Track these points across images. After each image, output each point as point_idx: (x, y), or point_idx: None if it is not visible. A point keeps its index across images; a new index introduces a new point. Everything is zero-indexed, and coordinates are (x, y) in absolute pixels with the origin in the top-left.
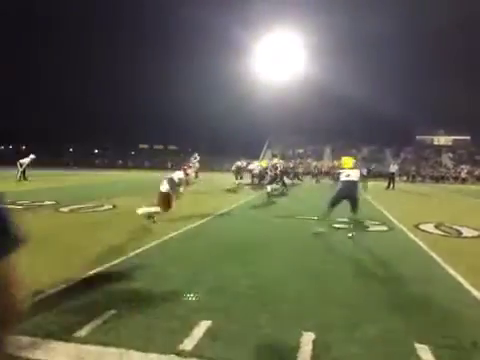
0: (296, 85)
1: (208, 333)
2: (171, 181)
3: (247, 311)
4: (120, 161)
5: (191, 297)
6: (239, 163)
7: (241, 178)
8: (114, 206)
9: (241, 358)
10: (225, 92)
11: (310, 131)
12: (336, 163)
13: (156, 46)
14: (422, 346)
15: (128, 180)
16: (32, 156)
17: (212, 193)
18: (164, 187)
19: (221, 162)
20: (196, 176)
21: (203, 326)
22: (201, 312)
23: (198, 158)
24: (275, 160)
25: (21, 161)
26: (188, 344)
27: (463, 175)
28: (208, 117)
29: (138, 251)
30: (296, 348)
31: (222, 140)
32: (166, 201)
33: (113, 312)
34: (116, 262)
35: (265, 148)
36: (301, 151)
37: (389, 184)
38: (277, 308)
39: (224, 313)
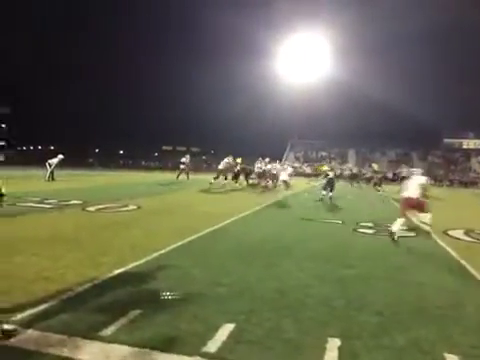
0: (320, 87)
1: (231, 336)
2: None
3: (271, 315)
4: (143, 162)
5: (214, 298)
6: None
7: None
8: (139, 206)
9: None
10: (248, 94)
11: (334, 134)
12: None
13: (180, 48)
14: (452, 356)
15: (152, 181)
16: (60, 156)
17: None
18: None
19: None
20: (187, 178)
21: (227, 329)
22: (224, 314)
23: (188, 159)
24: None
25: (50, 161)
26: (212, 346)
27: None
28: (231, 119)
29: (162, 251)
30: (321, 354)
31: (244, 142)
32: None
33: (138, 312)
34: (141, 262)
35: (287, 150)
36: (324, 154)
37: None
38: (301, 312)
39: (247, 316)
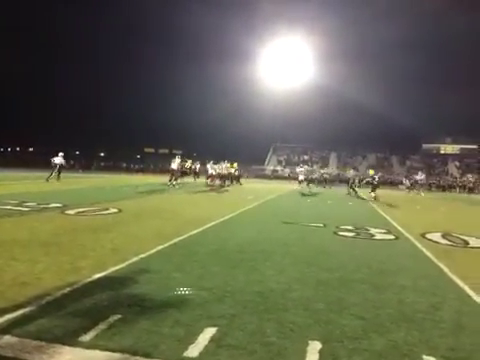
0: (302, 91)
1: (213, 340)
2: None
3: (252, 319)
4: (125, 164)
5: (197, 302)
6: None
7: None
8: (120, 210)
9: None
10: (231, 97)
11: (316, 138)
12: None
13: (162, 50)
14: (430, 358)
15: (133, 184)
16: (62, 154)
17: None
18: None
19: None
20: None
21: (208, 333)
22: (206, 319)
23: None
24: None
25: (56, 162)
26: (193, 351)
27: (470, 184)
28: (214, 122)
29: (143, 255)
30: (302, 357)
31: (227, 145)
32: None
33: (118, 317)
34: (121, 266)
35: (270, 154)
36: (306, 157)
37: (352, 189)
38: (283, 316)
39: (229, 320)
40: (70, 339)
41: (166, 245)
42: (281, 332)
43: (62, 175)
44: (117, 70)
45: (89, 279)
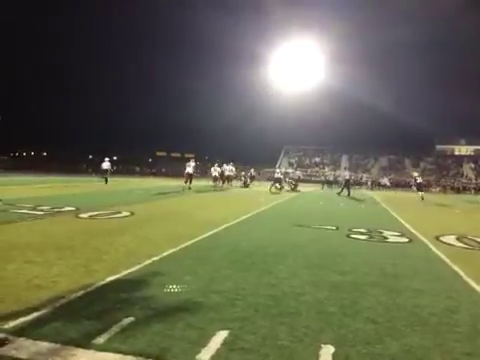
0: (314, 94)
1: (225, 343)
2: None
3: (265, 322)
4: (137, 168)
5: (208, 306)
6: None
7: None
8: (132, 213)
9: None
10: (243, 100)
11: (327, 140)
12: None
13: (174, 54)
14: None
15: (145, 187)
16: (108, 159)
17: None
18: None
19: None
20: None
21: (220, 336)
22: (218, 322)
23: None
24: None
25: (104, 167)
26: (205, 354)
27: None
28: (225, 125)
29: (156, 258)
30: None
31: (238, 148)
32: None
33: (131, 319)
34: (134, 269)
35: (281, 156)
36: (318, 160)
37: (342, 190)
38: (295, 320)
39: (241, 323)
40: (84, 342)
41: (178, 248)
42: (294, 336)
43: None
44: (129, 74)
45: (102, 282)
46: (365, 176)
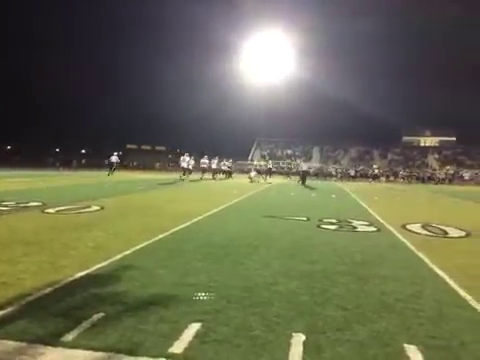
0: (285, 85)
1: (198, 336)
2: None
3: (237, 313)
4: (107, 161)
5: (181, 299)
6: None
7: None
8: (102, 207)
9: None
10: (214, 92)
11: (299, 132)
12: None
13: (144, 45)
14: (411, 347)
15: (116, 181)
16: (116, 153)
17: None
18: None
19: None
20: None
21: (193, 329)
22: (191, 315)
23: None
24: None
25: (112, 160)
26: (178, 347)
27: (449, 176)
28: (196, 117)
29: (127, 253)
30: (286, 350)
31: (210, 140)
32: None
33: (102, 315)
34: (104, 264)
35: (253, 148)
36: (290, 152)
37: (302, 180)
38: (267, 309)
39: (214, 316)
40: (52, 339)
41: (150, 242)
42: (266, 325)
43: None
44: (96, 66)
45: (71, 278)
46: (335, 167)
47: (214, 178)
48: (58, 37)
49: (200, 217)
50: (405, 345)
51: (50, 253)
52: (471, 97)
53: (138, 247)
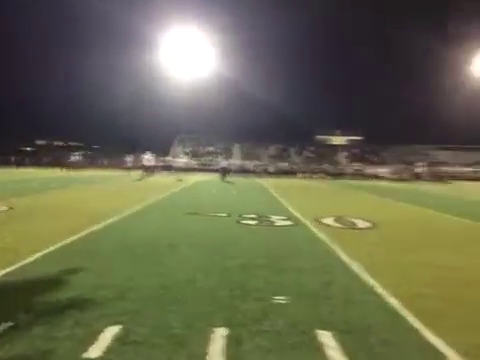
0: (207, 82)
1: (116, 338)
2: None
3: (156, 313)
4: (13, 158)
5: (97, 302)
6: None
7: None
8: (10, 207)
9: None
10: (132, 86)
11: (221, 129)
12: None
13: (57, 38)
14: (324, 332)
15: (25, 179)
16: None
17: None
18: None
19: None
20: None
21: (110, 331)
22: (108, 317)
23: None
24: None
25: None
26: (94, 352)
27: (356, 172)
28: (114, 112)
29: (39, 255)
30: (206, 345)
31: (129, 136)
32: None
33: (9, 324)
34: (13, 268)
35: (175, 145)
36: (211, 149)
37: (223, 176)
38: (187, 307)
39: (132, 316)
40: None
41: (64, 243)
42: (185, 323)
43: None
44: (7, 58)
45: None
46: (255, 164)
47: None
48: None
49: (119, 216)
50: (319, 331)
51: None
52: (379, 101)
53: (51, 249)
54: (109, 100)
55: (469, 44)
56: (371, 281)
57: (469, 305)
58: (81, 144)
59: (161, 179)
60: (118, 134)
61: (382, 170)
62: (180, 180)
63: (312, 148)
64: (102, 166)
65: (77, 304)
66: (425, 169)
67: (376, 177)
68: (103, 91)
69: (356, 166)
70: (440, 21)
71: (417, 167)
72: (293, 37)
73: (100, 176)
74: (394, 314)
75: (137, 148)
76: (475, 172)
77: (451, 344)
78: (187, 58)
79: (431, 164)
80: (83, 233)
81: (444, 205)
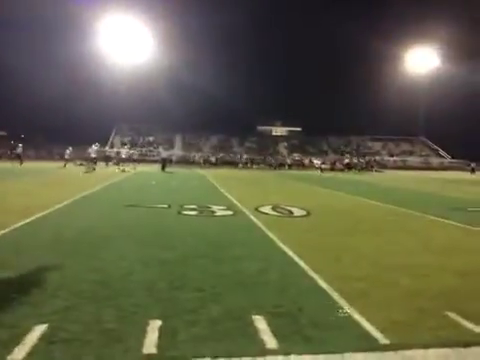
0: (146, 71)
1: (43, 338)
2: None
3: (89, 309)
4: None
5: (25, 301)
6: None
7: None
8: None
9: (82, 357)
10: (67, 73)
11: (161, 119)
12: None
13: None
14: (258, 317)
15: None
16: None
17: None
18: None
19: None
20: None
21: (38, 331)
22: (36, 317)
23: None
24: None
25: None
26: (19, 353)
27: (295, 162)
28: (47, 100)
29: None
30: (141, 338)
31: (64, 126)
32: None
33: None
34: None
35: (113, 135)
36: (152, 139)
37: (163, 167)
38: (123, 301)
39: (63, 314)
40: None
41: None
42: (120, 317)
43: None
44: None
45: None
46: (196, 155)
47: (93, 169)
48: None
49: (50, 210)
50: (253, 316)
51: None
52: (316, 92)
53: None
54: (40, 88)
55: (400, 40)
56: (304, 266)
57: (388, 286)
58: (6, 134)
59: (100, 170)
60: (50, 123)
61: (318, 161)
62: (123, 171)
63: (254, 139)
64: (29, 158)
65: (1, 304)
66: (356, 160)
67: (313, 167)
68: (35, 78)
69: (296, 156)
70: (374, 16)
71: (346, 158)
72: (234, 26)
73: (31, 168)
74: (323, 295)
75: (73, 139)
76: (403, 161)
77: (372, 321)
78: (126, 45)
79: (361, 154)
80: (10, 228)
81: (373, 193)
